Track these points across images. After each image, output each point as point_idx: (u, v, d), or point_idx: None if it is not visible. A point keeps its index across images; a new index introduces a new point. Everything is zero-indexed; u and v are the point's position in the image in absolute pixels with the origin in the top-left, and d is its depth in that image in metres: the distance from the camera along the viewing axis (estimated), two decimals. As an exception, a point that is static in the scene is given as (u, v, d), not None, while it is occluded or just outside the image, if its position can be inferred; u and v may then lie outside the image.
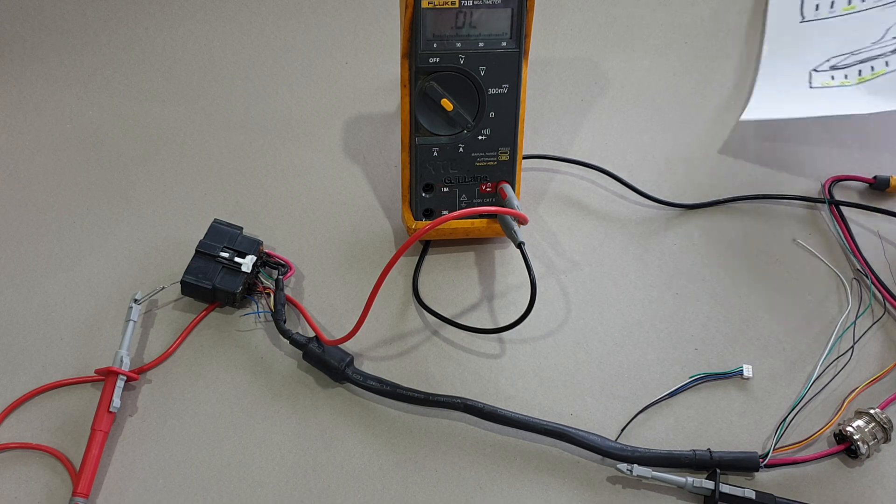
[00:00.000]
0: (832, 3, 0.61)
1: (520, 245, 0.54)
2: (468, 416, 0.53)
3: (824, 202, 0.65)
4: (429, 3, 0.51)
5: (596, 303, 0.60)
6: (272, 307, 0.56)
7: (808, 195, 0.65)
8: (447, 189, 0.58)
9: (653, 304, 0.60)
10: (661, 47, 0.75)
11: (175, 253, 0.60)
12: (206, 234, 0.57)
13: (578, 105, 0.71)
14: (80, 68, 0.72)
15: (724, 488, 0.49)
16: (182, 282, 0.55)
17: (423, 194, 0.58)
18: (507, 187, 0.58)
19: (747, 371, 0.56)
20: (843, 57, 0.62)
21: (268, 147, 0.68)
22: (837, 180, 0.66)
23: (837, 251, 0.63)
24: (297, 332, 0.55)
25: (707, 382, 0.56)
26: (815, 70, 0.63)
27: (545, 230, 0.63)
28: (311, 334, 0.55)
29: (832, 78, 0.61)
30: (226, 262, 0.56)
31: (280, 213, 0.64)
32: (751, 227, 0.64)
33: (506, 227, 0.56)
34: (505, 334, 0.58)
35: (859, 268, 0.61)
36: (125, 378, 0.53)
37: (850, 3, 0.61)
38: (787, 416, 0.54)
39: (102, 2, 0.77)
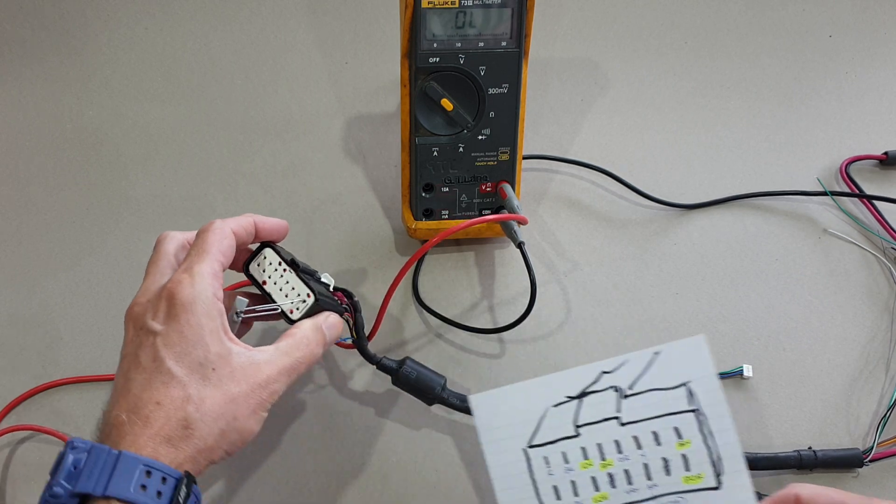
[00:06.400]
0: (576, 492, 0.47)
1: (520, 245, 0.54)
2: None
3: (826, 194, 0.65)
4: (429, 2, 0.51)
5: (596, 303, 0.60)
6: (353, 332, 0.50)
7: (807, 185, 0.65)
8: (447, 189, 0.58)
9: (653, 304, 0.60)
10: (661, 47, 0.75)
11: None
12: (284, 253, 0.48)
13: (578, 105, 0.71)
14: (80, 68, 0.72)
15: None
16: (316, 301, 0.46)
17: (423, 194, 0.58)
18: (507, 187, 0.58)
19: (747, 371, 0.56)
20: None
21: (268, 147, 0.68)
22: (851, 162, 0.66)
23: (857, 237, 0.63)
24: (386, 357, 0.51)
25: (707, 382, 0.56)
26: None
27: (545, 230, 0.63)
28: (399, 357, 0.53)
29: None
30: (320, 281, 0.49)
31: (280, 213, 0.63)
32: (752, 225, 0.64)
33: (506, 227, 0.56)
34: (505, 334, 0.58)
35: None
36: None
37: (597, 489, 0.46)
38: (888, 412, 0.54)
39: (102, 2, 0.77)
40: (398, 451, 0.53)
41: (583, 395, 0.47)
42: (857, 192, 0.65)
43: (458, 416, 0.54)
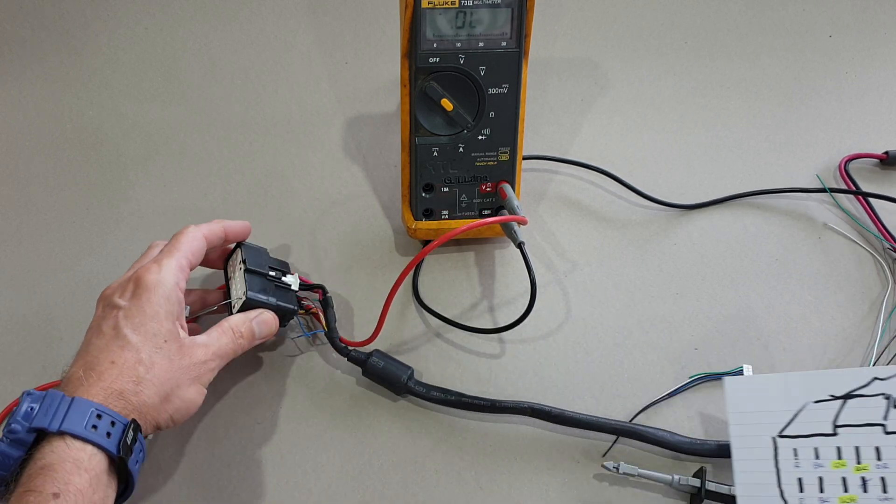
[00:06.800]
0: (821, 488, 0.47)
1: (520, 245, 0.54)
2: (532, 419, 0.53)
3: (825, 191, 0.65)
4: (429, 3, 0.51)
5: (596, 303, 0.60)
6: (325, 326, 0.55)
7: (807, 185, 0.65)
8: (447, 189, 0.58)
9: (653, 304, 0.60)
10: (661, 47, 0.75)
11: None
12: (244, 252, 0.53)
13: (578, 105, 0.71)
14: (80, 68, 0.72)
15: (711, 486, 0.49)
16: (247, 299, 0.51)
17: (423, 194, 0.58)
18: (507, 187, 0.58)
19: (747, 371, 0.56)
20: None
21: (268, 147, 0.68)
22: (850, 160, 0.66)
23: (855, 235, 0.63)
24: (355, 350, 0.54)
25: (707, 382, 0.56)
26: None
27: (545, 230, 0.63)
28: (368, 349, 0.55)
29: None
30: (275, 280, 0.53)
31: (280, 214, 0.64)
32: (752, 224, 0.64)
33: (506, 227, 0.56)
34: (505, 334, 0.58)
35: (890, 246, 0.62)
36: None
37: (846, 490, 0.46)
38: None
39: (102, 2, 0.77)
40: (393, 450, 0.53)
41: (848, 396, 0.47)
42: (855, 189, 0.65)
43: (426, 407, 0.55)
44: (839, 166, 0.66)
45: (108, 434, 0.41)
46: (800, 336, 0.58)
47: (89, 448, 0.40)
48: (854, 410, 0.47)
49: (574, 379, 0.56)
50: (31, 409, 0.41)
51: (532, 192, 0.65)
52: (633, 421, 0.53)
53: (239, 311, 0.51)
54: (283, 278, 0.54)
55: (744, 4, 0.78)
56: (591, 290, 0.60)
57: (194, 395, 0.47)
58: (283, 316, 0.54)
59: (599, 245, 0.63)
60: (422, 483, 0.52)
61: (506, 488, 0.52)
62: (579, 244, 0.63)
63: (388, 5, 0.76)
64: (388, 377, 0.54)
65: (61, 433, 0.40)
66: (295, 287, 0.55)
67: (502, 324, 0.57)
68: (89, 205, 0.64)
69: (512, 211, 0.56)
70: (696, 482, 0.50)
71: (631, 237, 0.63)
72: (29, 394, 0.42)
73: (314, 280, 0.58)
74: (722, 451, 0.52)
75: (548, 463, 0.53)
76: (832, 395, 0.47)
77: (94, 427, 0.40)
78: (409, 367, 0.54)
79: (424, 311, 0.59)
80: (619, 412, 0.54)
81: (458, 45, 0.53)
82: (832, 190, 0.65)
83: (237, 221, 0.54)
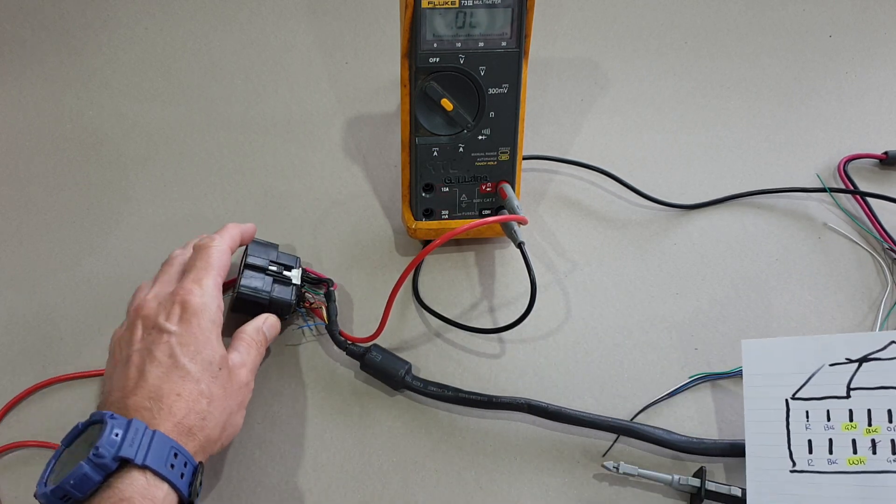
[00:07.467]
0: (830, 450, 0.47)
1: (520, 245, 0.54)
2: (528, 415, 0.53)
3: (825, 191, 0.65)
4: (429, 3, 0.51)
5: (596, 303, 0.60)
6: (325, 319, 0.56)
7: (807, 185, 0.65)
8: (447, 189, 0.58)
9: (653, 304, 0.60)
10: (661, 47, 0.75)
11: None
12: (249, 249, 0.56)
13: (578, 105, 0.71)
14: (80, 68, 0.72)
15: (711, 486, 0.49)
16: (237, 297, 0.53)
17: (423, 194, 0.58)
18: (507, 187, 0.58)
19: (747, 371, 0.56)
20: None
21: (268, 147, 0.68)
22: (850, 160, 0.67)
23: (855, 235, 0.63)
24: (354, 343, 0.55)
25: (707, 382, 0.56)
26: None
27: (545, 230, 0.63)
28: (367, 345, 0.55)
29: None
30: (275, 274, 0.55)
31: (280, 214, 0.64)
32: (751, 224, 0.64)
33: (506, 227, 0.56)
34: (505, 334, 0.58)
35: (888, 247, 0.62)
36: None
37: (855, 451, 0.47)
38: None
39: (102, 2, 0.77)
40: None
41: (864, 359, 0.47)
42: (854, 189, 0.65)
43: (424, 403, 0.55)
44: (839, 166, 0.66)
45: (182, 475, 0.42)
46: (801, 334, 0.58)
47: (165, 486, 0.41)
48: (869, 374, 0.47)
49: (574, 379, 0.56)
50: (117, 434, 0.40)
51: (532, 192, 0.65)
52: (632, 420, 0.53)
53: (233, 305, 0.54)
54: (285, 272, 0.56)
55: (744, 4, 0.78)
56: (591, 290, 0.60)
57: (240, 419, 0.48)
58: (281, 309, 0.55)
59: (599, 245, 0.63)
60: (422, 483, 0.52)
61: (506, 488, 0.52)
62: (579, 244, 0.63)
63: (388, 5, 0.76)
64: (385, 371, 0.54)
65: (144, 467, 0.40)
66: (296, 281, 0.56)
67: (502, 324, 0.57)
68: (89, 205, 0.64)
69: (512, 211, 0.56)
70: (696, 482, 0.50)
71: (631, 237, 0.63)
72: (113, 417, 0.41)
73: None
74: (722, 451, 0.52)
75: (548, 463, 0.53)
76: (848, 359, 0.48)
77: (172, 466, 0.41)
78: (406, 362, 0.54)
79: (424, 311, 0.59)
80: (619, 412, 0.54)
81: (458, 45, 0.53)
82: (832, 190, 0.65)
83: (247, 224, 0.56)
